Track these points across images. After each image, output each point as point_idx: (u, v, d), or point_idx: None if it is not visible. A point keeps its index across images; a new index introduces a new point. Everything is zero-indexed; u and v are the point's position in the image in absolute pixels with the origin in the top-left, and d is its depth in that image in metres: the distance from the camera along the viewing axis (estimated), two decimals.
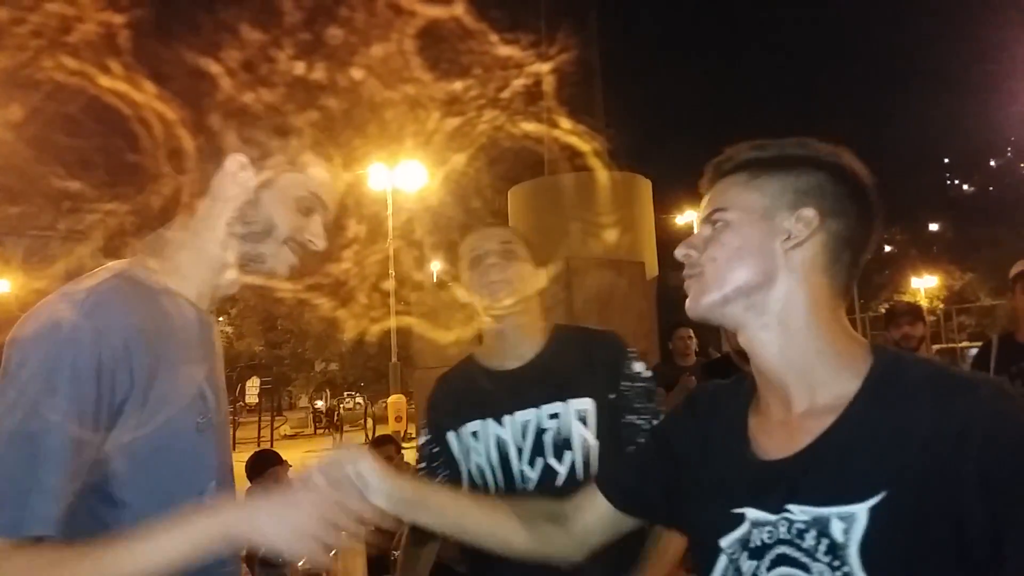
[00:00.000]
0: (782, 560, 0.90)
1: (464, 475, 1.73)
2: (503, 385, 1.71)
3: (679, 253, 1.04)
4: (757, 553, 0.93)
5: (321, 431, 25.58)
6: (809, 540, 0.88)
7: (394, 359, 16.47)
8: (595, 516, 1.19)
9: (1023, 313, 3.55)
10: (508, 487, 1.65)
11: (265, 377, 24.80)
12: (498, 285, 1.67)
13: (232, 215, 1.19)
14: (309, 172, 1.22)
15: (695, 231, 1.07)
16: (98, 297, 1.06)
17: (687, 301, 1.03)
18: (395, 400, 15.97)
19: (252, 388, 23.85)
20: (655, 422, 1.64)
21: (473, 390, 1.74)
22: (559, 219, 6.50)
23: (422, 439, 1.84)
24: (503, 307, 1.66)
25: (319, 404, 28.26)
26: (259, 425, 22.98)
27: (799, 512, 0.90)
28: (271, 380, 25.60)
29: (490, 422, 1.69)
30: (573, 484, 1.54)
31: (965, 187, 60.32)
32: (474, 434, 1.71)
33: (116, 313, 1.05)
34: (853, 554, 0.84)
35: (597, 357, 1.73)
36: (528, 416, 1.67)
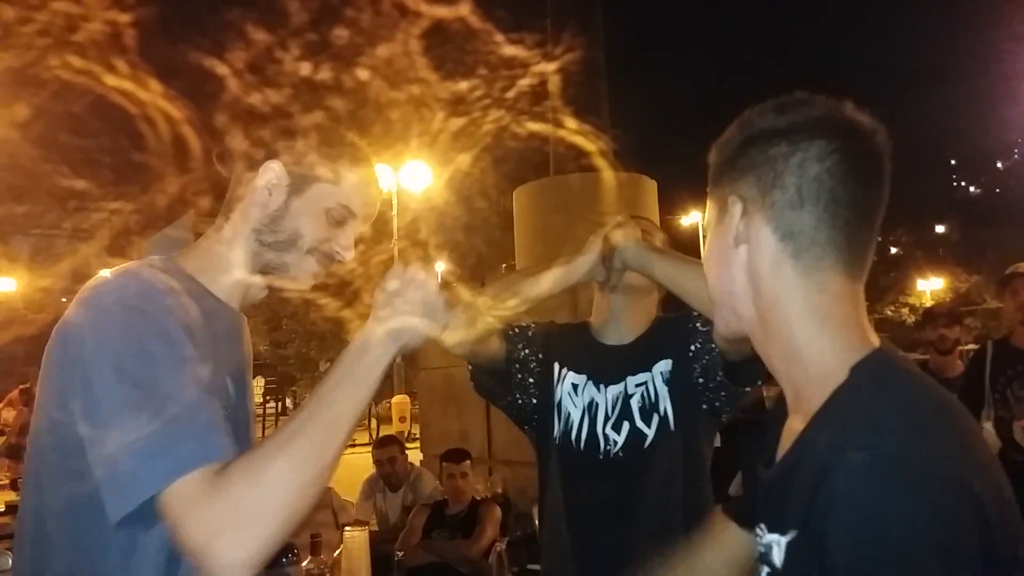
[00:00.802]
0: None
1: (555, 423, 1.81)
2: (602, 359, 1.84)
3: None
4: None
5: None
6: (764, 567, 0.84)
7: (398, 359, 16.47)
8: (737, 544, 1.12)
9: (1014, 317, 3.55)
10: (591, 444, 1.76)
11: (270, 377, 24.81)
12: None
13: (261, 223, 1.20)
14: (342, 182, 1.21)
15: (700, 232, 1.04)
16: (145, 282, 1.07)
17: None
18: (399, 400, 15.98)
19: (256, 388, 23.90)
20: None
21: (583, 351, 1.87)
22: (564, 219, 6.48)
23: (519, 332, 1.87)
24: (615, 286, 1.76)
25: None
26: (264, 425, 23.00)
27: (763, 533, 0.85)
28: (275, 380, 25.61)
29: (591, 383, 1.81)
30: (661, 444, 1.70)
31: (971, 189, 60.17)
32: (574, 386, 1.82)
33: (162, 296, 1.06)
34: None
35: (676, 325, 1.82)
36: (618, 389, 1.78)
